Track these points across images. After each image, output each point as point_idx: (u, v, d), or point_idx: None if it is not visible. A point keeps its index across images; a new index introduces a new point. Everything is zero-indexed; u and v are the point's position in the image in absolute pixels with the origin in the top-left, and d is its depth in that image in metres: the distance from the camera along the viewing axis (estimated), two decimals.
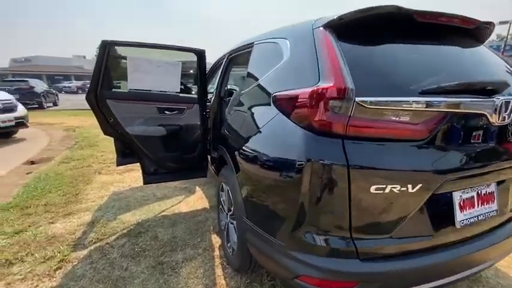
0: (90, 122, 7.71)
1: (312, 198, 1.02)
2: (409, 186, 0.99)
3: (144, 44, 2.21)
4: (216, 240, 2.23)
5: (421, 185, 1.00)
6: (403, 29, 1.20)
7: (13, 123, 5.37)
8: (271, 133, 1.27)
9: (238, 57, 2.45)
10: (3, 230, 2.27)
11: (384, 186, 0.97)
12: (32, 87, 12.84)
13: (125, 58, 2.29)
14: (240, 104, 1.81)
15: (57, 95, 16.43)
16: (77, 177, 3.52)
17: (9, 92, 11.96)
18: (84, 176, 3.60)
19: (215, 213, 2.67)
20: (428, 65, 1.16)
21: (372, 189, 0.98)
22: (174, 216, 2.61)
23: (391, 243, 1.07)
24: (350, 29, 1.16)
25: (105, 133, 2.39)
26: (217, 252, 2.07)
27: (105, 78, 2.16)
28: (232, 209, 1.80)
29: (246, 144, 1.44)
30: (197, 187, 3.36)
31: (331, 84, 0.99)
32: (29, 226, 2.36)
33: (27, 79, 13.62)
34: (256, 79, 1.66)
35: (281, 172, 1.14)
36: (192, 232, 2.34)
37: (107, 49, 2.09)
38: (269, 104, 1.35)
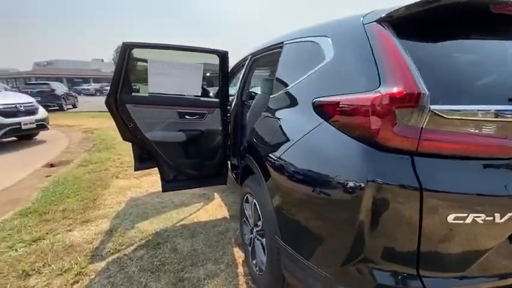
0: (108, 124, 7.80)
1: (373, 227, 0.84)
2: (497, 215, 0.80)
3: (165, 46, 2.10)
4: (238, 254, 2.08)
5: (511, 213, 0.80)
6: (476, 22, 1.01)
7: (34, 125, 5.46)
8: (315, 145, 1.10)
9: (264, 58, 2.31)
10: (22, 238, 2.21)
11: (465, 215, 0.79)
12: (53, 90, 13.25)
13: (145, 61, 2.19)
14: (270, 109, 1.66)
15: (76, 97, 16.93)
16: (95, 182, 3.47)
17: (32, 94, 12.37)
18: (102, 180, 3.55)
19: (236, 223, 2.53)
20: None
21: (450, 218, 0.79)
22: (193, 226, 2.49)
23: (465, 282, 0.88)
24: (410, 24, 0.98)
25: (124, 138, 2.29)
26: (240, 269, 1.91)
27: (125, 82, 2.07)
28: (260, 224, 1.65)
29: (282, 157, 1.28)
30: (216, 194, 3.23)
31: (400, 89, 0.81)
32: (47, 233, 2.30)
33: (49, 82, 14.06)
34: (289, 83, 1.50)
35: (330, 192, 0.97)
36: (213, 244, 2.20)
37: (128, 51, 1.99)
38: (308, 111, 1.19)
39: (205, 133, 2.42)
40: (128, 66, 2.03)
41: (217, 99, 2.44)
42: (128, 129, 2.21)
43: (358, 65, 1.01)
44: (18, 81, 33.87)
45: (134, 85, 2.32)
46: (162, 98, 2.22)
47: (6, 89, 14.33)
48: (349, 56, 1.08)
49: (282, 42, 1.76)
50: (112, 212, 2.74)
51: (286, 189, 1.25)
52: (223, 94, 2.42)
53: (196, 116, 2.35)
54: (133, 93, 2.16)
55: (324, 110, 1.09)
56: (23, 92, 12.48)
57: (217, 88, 2.96)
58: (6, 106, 4.98)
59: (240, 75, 2.67)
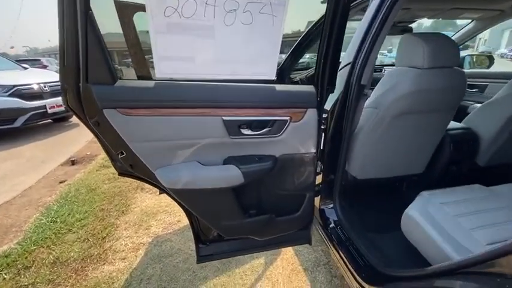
0: None
1: None
2: None
3: None
4: None
5: None
6: None
7: (63, 108, 4.74)
8: None
9: None
10: None
11: None
12: None
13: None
14: None
15: (122, 70, 16.81)
16: (112, 199, 2.49)
17: None
18: (122, 195, 2.56)
19: None
20: None
21: None
22: None
23: None
24: None
25: (120, 173, 1.10)
26: None
27: (93, 51, 0.80)
28: None
29: None
30: None
31: None
32: None
33: None
34: None
35: None
36: None
37: None
38: None
39: (280, 164, 1.10)
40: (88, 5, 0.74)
41: (310, 87, 1.06)
42: (119, 160, 1.00)
43: None
44: None
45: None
46: (187, 89, 0.93)
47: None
48: None
49: None
50: (123, 270, 1.69)
51: None
52: (327, 74, 1.03)
53: (266, 129, 1.01)
54: (121, 80, 0.89)
55: None
56: None
57: None
58: (27, 87, 4.26)
59: (358, 33, 1.21)
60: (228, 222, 1.13)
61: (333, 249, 1.30)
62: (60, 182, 2.90)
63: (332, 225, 1.37)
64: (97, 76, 0.83)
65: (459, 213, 1.02)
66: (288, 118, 1.02)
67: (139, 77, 0.99)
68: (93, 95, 0.84)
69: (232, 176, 1.01)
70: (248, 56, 0.91)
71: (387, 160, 1.47)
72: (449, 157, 1.52)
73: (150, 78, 0.95)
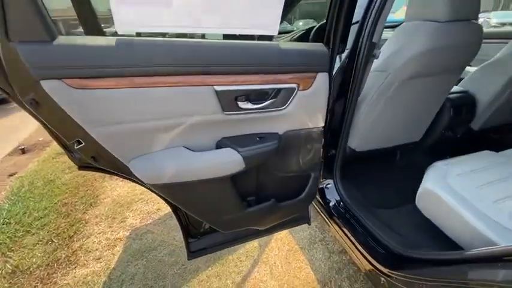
0: None
1: None
2: None
3: None
4: None
5: None
6: None
7: None
8: None
9: None
10: None
11: None
12: None
13: None
14: None
15: None
16: (76, 190, 2.17)
17: None
18: (87, 185, 2.24)
19: None
20: None
21: None
22: None
23: None
24: None
25: (81, 167, 0.85)
26: None
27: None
28: None
29: None
30: None
31: None
32: None
33: None
34: None
35: None
36: None
37: None
38: None
39: (284, 143, 0.92)
40: None
41: (320, 45, 0.85)
42: (77, 151, 0.75)
43: None
44: None
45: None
46: (165, 49, 0.67)
47: None
48: None
49: None
50: (99, 272, 1.48)
51: None
52: (340, 29, 0.83)
53: (269, 101, 0.81)
54: (63, 37, 0.61)
55: None
56: None
57: None
58: None
59: None
60: (226, 216, 0.95)
61: (336, 228, 1.20)
62: (10, 175, 2.47)
63: (334, 203, 1.26)
64: (24, 29, 0.55)
65: (480, 184, 0.94)
66: (295, 86, 0.81)
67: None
68: (20, 58, 0.56)
69: (231, 162, 0.81)
70: (245, 1, 0.67)
71: (389, 129, 1.36)
72: (448, 122, 1.46)
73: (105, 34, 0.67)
